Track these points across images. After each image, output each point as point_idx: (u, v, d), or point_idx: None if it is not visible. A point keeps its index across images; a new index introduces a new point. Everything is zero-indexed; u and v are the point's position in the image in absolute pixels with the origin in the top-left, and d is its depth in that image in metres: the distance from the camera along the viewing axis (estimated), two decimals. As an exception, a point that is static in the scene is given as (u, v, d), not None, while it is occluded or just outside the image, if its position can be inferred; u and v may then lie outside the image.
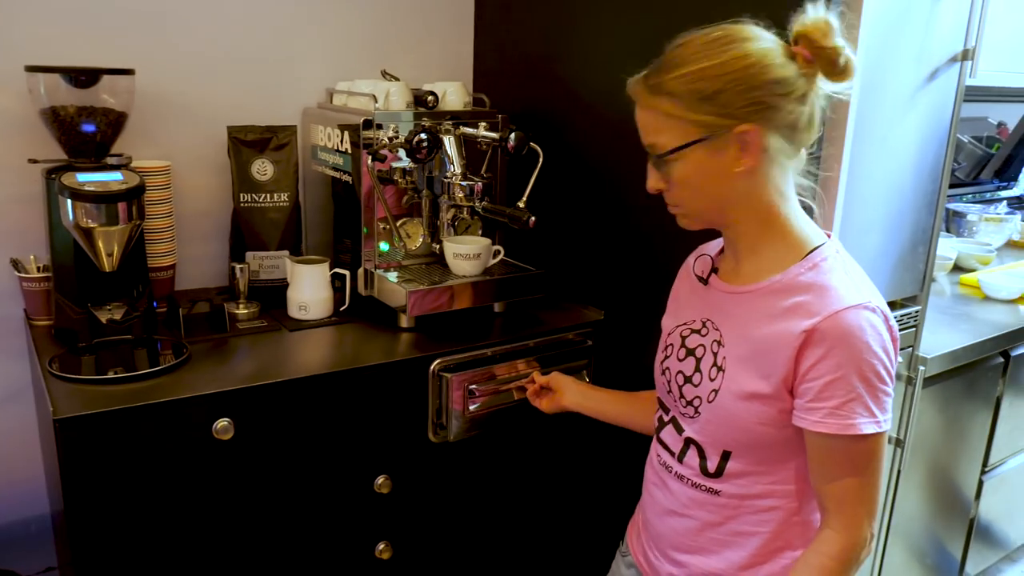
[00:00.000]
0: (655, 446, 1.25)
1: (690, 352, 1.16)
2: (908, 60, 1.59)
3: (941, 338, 1.99)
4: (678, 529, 1.20)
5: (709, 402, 1.12)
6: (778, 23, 1.07)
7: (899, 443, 1.91)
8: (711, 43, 1.01)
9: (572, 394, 1.48)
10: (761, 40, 1.02)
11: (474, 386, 1.55)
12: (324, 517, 1.48)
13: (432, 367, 1.51)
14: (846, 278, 1.04)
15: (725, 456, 1.12)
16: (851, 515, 1.06)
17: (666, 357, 1.21)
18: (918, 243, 1.80)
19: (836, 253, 1.08)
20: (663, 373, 1.21)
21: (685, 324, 1.20)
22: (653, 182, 1.10)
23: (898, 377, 1.87)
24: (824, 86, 1.04)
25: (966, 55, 1.66)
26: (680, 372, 1.17)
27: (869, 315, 1.01)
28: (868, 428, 1.01)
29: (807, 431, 1.04)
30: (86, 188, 1.37)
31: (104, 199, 1.38)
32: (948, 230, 2.97)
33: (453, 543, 1.66)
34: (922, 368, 1.86)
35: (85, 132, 1.46)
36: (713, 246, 1.23)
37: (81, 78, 1.45)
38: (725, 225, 1.12)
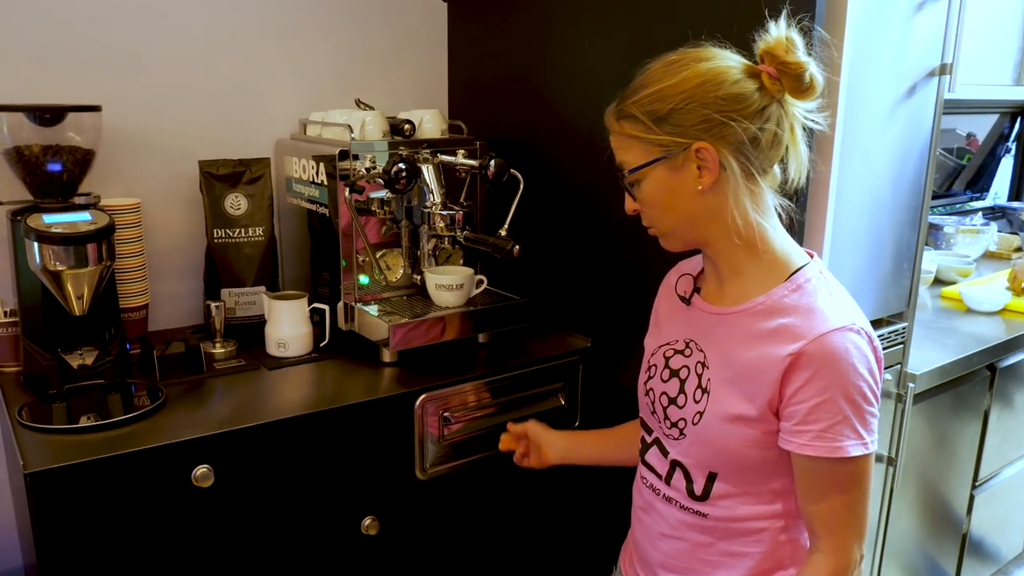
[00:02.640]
0: (641, 468, 1.24)
1: (674, 373, 1.15)
2: (887, 76, 1.58)
3: (928, 354, 1.97)
4: (668, 552, 1.18)
5: (694, 424, 1.11)
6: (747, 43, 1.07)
7: (891, 462, 1.89)
8: (668, 65, 1.04)
9: (556, 450, 1.44)
10: (717, 59, 1.03)
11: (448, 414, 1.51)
12: (311, 562, 1.42)
13: (417, 403, 1.47)
14: (830, 299, 1.04)
15: (711, 478, 1.11)
16: (840, 537, 1.05)
17: (649, 378, 1.20)
18: (902, 259, 1.79)
19: (820, 274, 1.08)
20: (647, 393, 1.20)
21: (668, 344, 1.18)
22: (628, 204, 1.12)
23: (887, 395, 1.86)
24: (795, 108, 1.04)
25: (944, 69, 1.66)
26: (664, 393, 1.16)
27: (854, 337, 1.01)
28: (855, 450, 1.00)
29: (794, 454, 1.04)
30: (53, 230, 1.32)
31: (72, 241, 1.33)
32: (926, 243, 2.97)
33: (444, 582, 1.61)
34: (911, 385, 1.84)
35: (51, 172, 1.41)
36: (693, 264, 1.22)
37: (46, 116, 1.41)
38: (704, 244, 1.11)
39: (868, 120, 1.56)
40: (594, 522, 1.79)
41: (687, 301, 1.17)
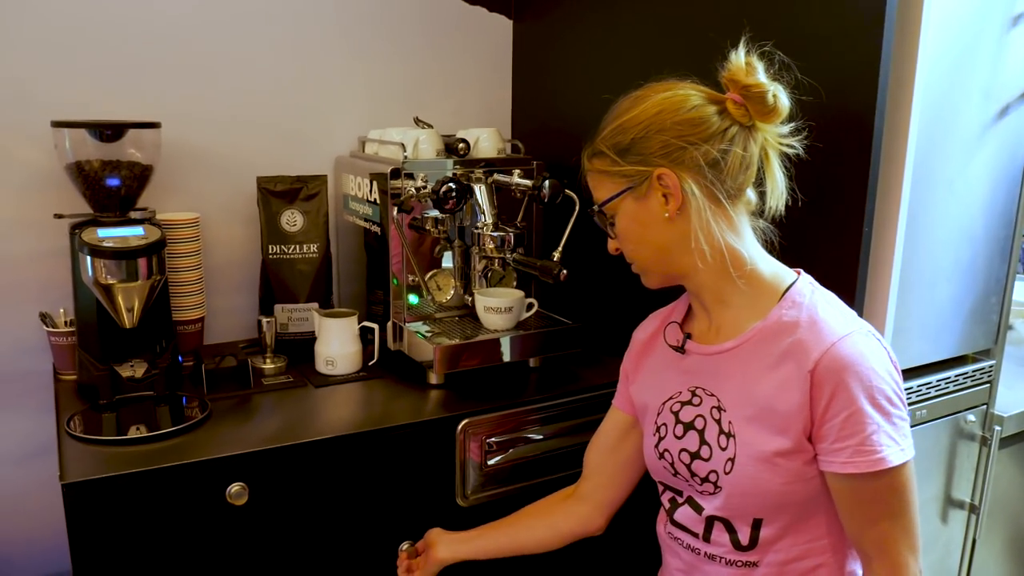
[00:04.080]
0: (670, 530, 1.16)
1: (688, 426, 1.09)
2: (975, 97, 1.48)
3: (1020, 394, 1.83)
4: None
5: (726, 473, 1.04)
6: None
7: (973, 509, 1.76)
8: (630, 100, 1.05)
9: (445, 546, 1.32)
10: (678, 89, 1.03)
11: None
12: (346, 585, 1.41)
13: (459, 428, 1.44)
14: (831, 309, 1.02)
15: (756, 525, 1.05)
16: (895, 555, 1.00)
17: (660, 439, 1.13)
18: (991, 293, 1.67)
19: (812, 287, 1.05)
20: (661, 457, 1.13)
21: (672, 399, 1.12)
22: (610, 243, 1.13)
23: (971, 438, 1.73)
24: (767, 134, 1.03)
25: (1040, 90, 1.54)
26: (684, 450, 1.09)
27: (864, 340, 0.99)
28: (896, 458, 0.96)
29: (833, 475, 0.98)
30: (104, 244, 1.35)
31: (123, 255, 1.35)
32: (1027, 273, 2.78)
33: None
34: (998, 428, 1.71)
35: (110, 186, 1.45)
36: (671, 312, 1.19)
37: (107, 132, 1.44)
38: (682, 276, 1.08)
39: (954, 146, 1.46)
40: (629, 563, 1.72)
41: (681, 349, 1.12)
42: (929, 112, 1.38)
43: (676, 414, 1.11)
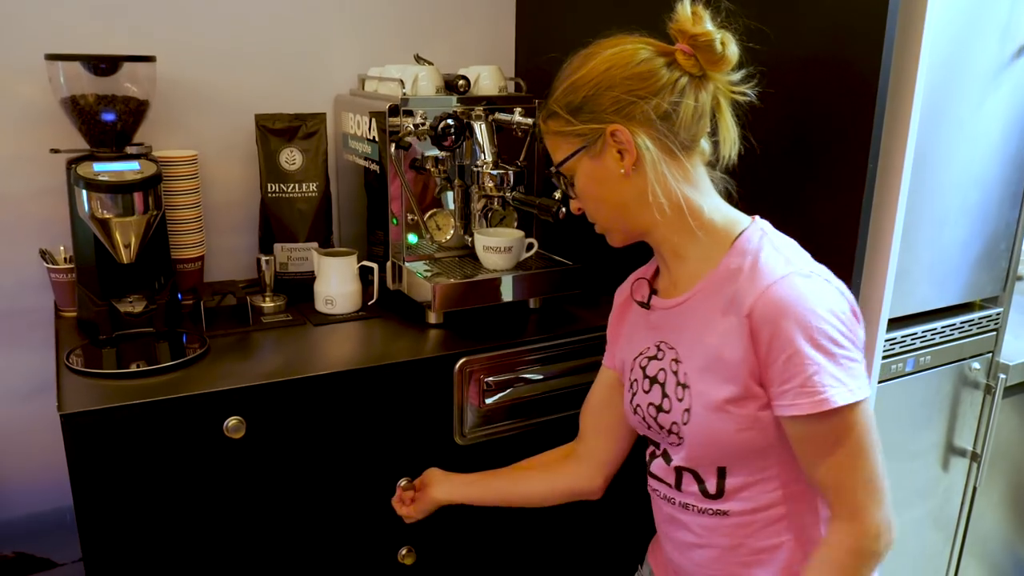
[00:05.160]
0: (650, 482, 1.18)
1: (653, 380, 1.10)
2: (991, 37, 1.44)
3: (1027, 343, 1.82)
4: (701, 562, 1.13)
5: (685, 424, 1.05)
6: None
7: (975, 457, 1.76)
8: (580, 58, 1.04)
9: (442, 488, 1.35)
10: (627, 44, 1.02)
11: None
12: (343, 520, 1.42)
13: (456, 366, 1.43)
14: (775, 253, 1.00)
15: (721, 474, 1.05)
16: (851, 500, 0.98)
17: (633, 395, 1.14)
18: (1000, 238, 1.64)
19: (762, 232, 1.03)
20: (635, 412, 1.14)
21: (641, 354, 1.13)
22: (572, 203, 1.13)
23: (975, 386, 1.72)
24: (718, 82, 1.02)
25: (1058, 29, 1.50)
26: (651, 404, 1.10)
27: (802, 281, 0.96)
28: (840, 398, 0.93)
29: (785, 420, 0.97)
30: (100, 178, 1.34)
31: (118, 189, 1.35)
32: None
33: (477, 547, 1.58)
34: (1003, 376, 1.70)
35: (105, 121, 1.43)
36: (648, 269, 1.19)
37: (101, 66, 1.42)
38: (643, 232, 1.08)
39: (967, 86, 1.43)
40: (628, 506, 1.73)
41: (646, 305, 1.13)
42: (943, 50, 1.34)
43: (644, 369, 1.12)
